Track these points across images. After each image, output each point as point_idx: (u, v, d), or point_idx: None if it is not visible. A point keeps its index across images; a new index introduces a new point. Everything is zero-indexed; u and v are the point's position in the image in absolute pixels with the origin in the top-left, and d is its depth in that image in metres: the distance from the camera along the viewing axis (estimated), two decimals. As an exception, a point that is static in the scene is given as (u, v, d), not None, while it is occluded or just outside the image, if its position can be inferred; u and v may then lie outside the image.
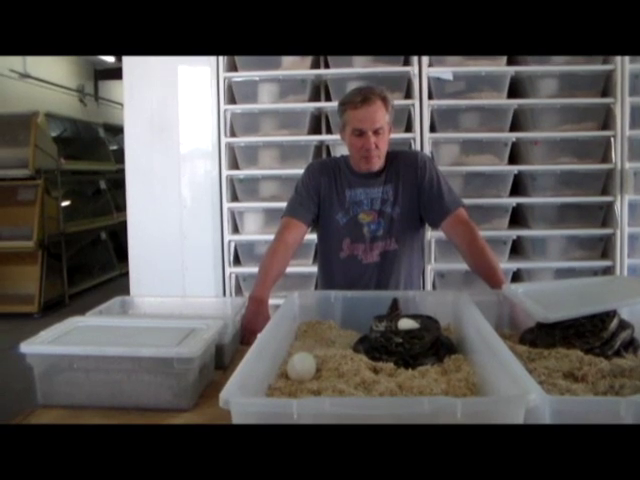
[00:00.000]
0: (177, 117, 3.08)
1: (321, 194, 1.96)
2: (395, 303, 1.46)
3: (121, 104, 3.33)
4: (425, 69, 2.94)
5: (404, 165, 1.94)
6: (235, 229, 3.13)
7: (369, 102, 1.82)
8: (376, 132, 1.83)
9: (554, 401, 0.88)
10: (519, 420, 0.84)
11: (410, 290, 1.92)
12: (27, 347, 1.24)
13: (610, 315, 1.28)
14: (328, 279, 2.02)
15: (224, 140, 3.04)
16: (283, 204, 2.03)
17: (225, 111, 3.03)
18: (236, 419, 0.86)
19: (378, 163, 1.90)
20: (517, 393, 0.87)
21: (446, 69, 2.94)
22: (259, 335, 1.22)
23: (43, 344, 1.26)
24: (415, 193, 1.92)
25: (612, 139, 2.93)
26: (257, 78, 3.04)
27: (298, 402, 0.85)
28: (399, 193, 1.92)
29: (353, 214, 1.93)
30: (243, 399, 0.88)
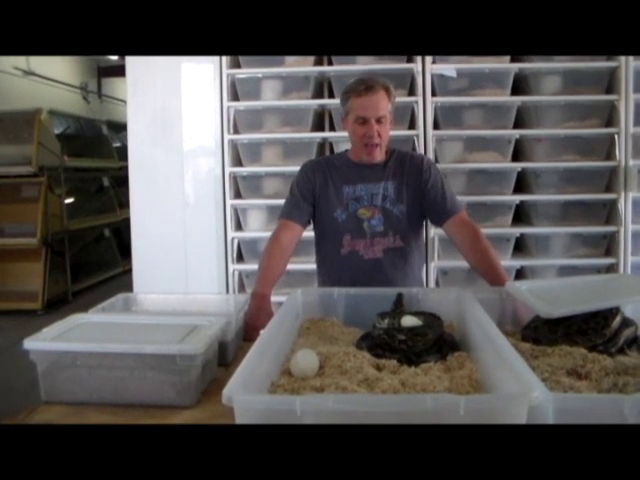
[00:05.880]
0: (180, 114, 3.08)
1: (316, 193, 1.96)
2: (400, 298, 1.46)
3: (124, 101, 3.33)
4: (429, 66, 2.94)
5: (409, 166, 1.95)
6: (238, 226, 3.13)
7: (373, 90, 1.84)
8: (379, 120, 1.85)
9: (557, 398, 0.87)
10: (522, 417, 0.84)
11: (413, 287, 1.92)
12: (30, 343, 1.25)
13: (613, 312, 1.27)
14: (329, 276, 2.01)
15: (227, 137, 3.04)
16: (286, 201, 2.03)
17: (228, 108, 3.03)
18: (239, 416, 0.86)
19: (379, 153, 1.91)
20: (520, 390, 0.87)
21: (450, 66, 2.94)
22: (262, 332, 1.22)
23: (46, 340, 1.26)
24: (419, 195, 1.93)
25: (616, 136, 2.92)
26: (260, 75, 3.04)
27: (301, 399, 0.85)
28: (403, 192, 1.92)
29: (352, 210, 1.93)
30: (246, 396, 0.88)
